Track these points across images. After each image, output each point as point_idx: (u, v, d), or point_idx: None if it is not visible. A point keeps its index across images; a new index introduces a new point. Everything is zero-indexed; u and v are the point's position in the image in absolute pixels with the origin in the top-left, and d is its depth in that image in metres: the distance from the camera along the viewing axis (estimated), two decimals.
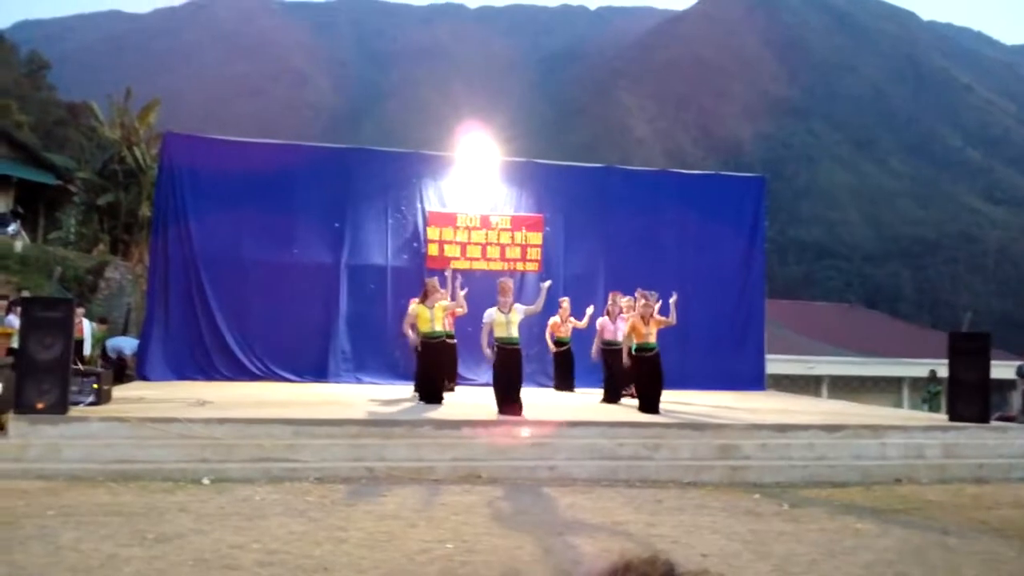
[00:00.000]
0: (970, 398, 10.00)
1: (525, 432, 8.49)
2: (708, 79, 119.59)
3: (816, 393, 23.34)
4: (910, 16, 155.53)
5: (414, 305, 10.72)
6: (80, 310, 12.71)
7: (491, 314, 9.66)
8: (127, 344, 14.97)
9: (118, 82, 31.55)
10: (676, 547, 5.55)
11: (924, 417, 12.07)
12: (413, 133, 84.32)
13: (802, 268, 79.20)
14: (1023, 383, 18.26)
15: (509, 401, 9.29)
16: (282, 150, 15.20)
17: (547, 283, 10.53)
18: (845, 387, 24.61)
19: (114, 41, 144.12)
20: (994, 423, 10.31)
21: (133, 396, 10.03)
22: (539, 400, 11.24)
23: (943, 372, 19.06)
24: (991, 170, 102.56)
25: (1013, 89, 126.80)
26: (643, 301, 10.63)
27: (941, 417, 11.26)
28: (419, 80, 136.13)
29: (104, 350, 14.84)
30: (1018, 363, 18.81)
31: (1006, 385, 21.08)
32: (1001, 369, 16.87)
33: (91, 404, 8.57)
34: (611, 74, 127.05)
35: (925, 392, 19.29)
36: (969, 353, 10.18)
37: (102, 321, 16.05)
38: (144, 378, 13.13)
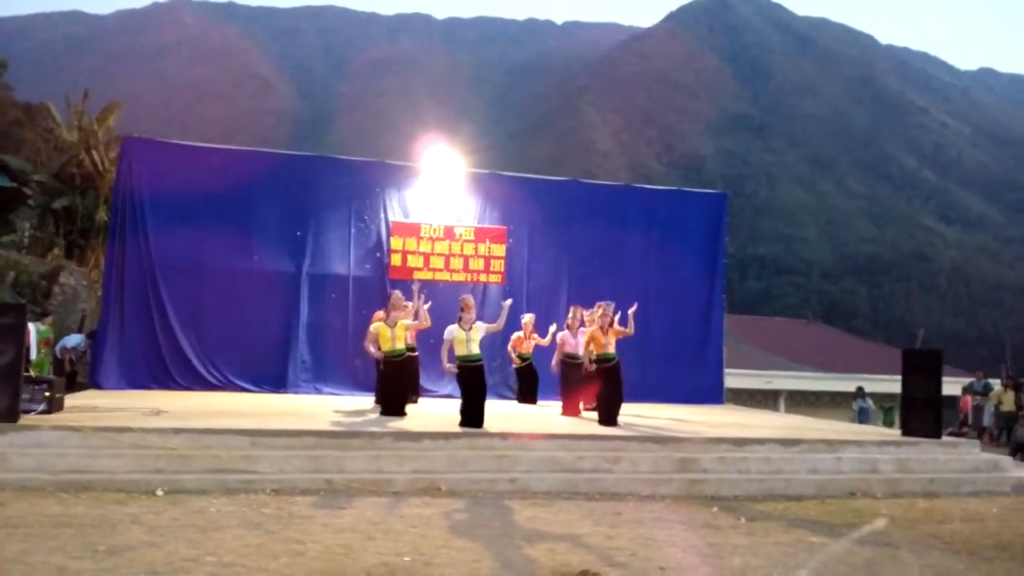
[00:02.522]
0: (922, 414, 10.22)
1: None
2: (671, 96, 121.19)
3: (774, 407, 23.65)
4: (869, 39, 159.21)
5: (376, 324, 10.63)
6: None
7: (452, 331, 9.64)
8: (71, 339, 14.65)
9: (77, 83, 31.06)
10: (634, 560, 5.58)
11: (878, 432, 12.29)
12: (377, 142, 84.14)
13: (761, 284, 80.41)
14: (974, 400, 18.69)
15: (472, 416, 9.29)
16: (244, 156, 15.06)
17: (508, 302, 10.57)
18: (802, 401, 24.99)
19: (74, 42, 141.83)
20: (945, 439, 10.53)
21: (86, 405, 9.83)
22: (501, 412, 11.23)
23: (871, 388, 19.34)
24: (945, 191, 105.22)
25: (967, 113, 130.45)
26: (600, 311, 10.72)
27: (894, 432, 11.47)
28: (385, 90, 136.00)
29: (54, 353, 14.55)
30: (969, 380, 19.27)
31: (957, 401, 21.55)
32: (952, 386, 17.27)
33: (42, 412, 8.38)
34: (576, 88, 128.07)
35: (856, 404, 19.47)
36: (922, 370, 10.41)
37: (43, 315, 15.69)
38: (97, 386, 12.86)
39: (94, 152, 24.02)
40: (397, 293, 10.78)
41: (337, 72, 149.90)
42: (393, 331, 10.28)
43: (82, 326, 18.29)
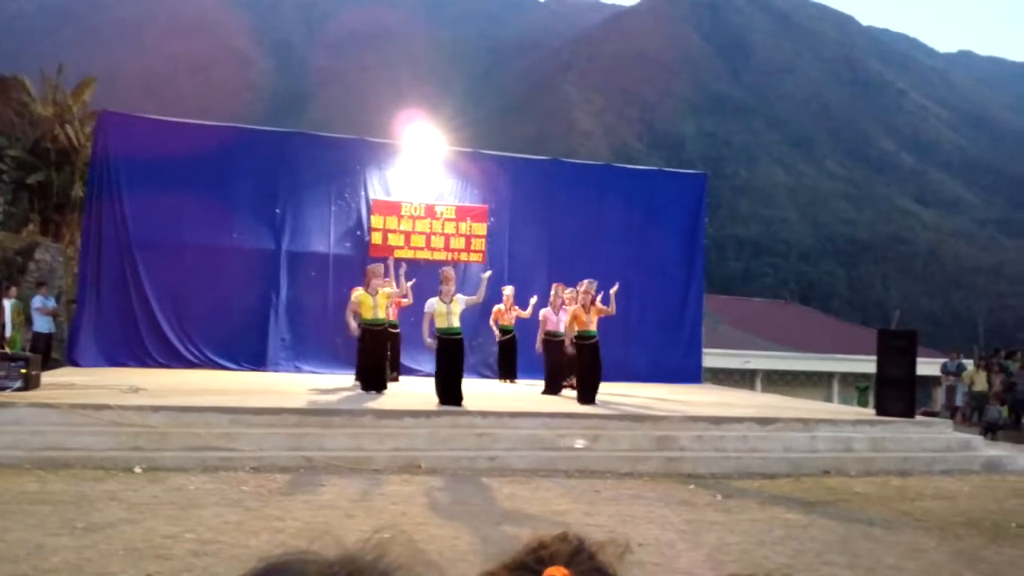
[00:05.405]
0: (896, 394, 10.37)
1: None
2: (653, 75, 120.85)
3: (751, 387, 23.87)
4: (849, 20, 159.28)
5: (357, 292, 10.64)
6: None
7: (432, 304, 9.64)
8: (36, 300, 14.53)
9: (52, 56, 30.50)
10: (612, 536, 5.63)
11: (852, 411, 12.46)
12: (357, 119, 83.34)
13: (740, 264, 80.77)
14: (947, 380, 18.96)
15: (450, 392, 9.31)
16: (222, 132, 14.90)
17: (487, 273, 10.60)
18: (779, 381, 25.24)
19: (48, 13, 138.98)
20: (919, 418, 10.70)
21: (63, 382, 9.76)
22: (481, 390, 11.28)
23: (846, 368, 19.13)
24: (923, 174, 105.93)
25: (945, 96, 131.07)
26: (582, 288, 10.80)
27: (869, 411, 11.63)
28: (366, 66, 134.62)
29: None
30: (943, 360, 19.54)
31: (931, 381, 21.88)
32: (927, 366, 17.51)
33: (18, 389, 8.32)
34: (558, 66, 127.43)
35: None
36: (896, 350, 10.55)
37: (10, 286, 15.52)
38: (74, 363, 12.76)
39: (69, 127, 23.63)
40: (376, 266, 10.80)
41: (317, 47, 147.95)
42: (375, 299, 10.26)
43: (58, 303, 18.11)
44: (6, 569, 4.35)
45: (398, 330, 12.07)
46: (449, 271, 10.02)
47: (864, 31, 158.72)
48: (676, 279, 16.08)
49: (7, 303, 13.66)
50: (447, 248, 14.94)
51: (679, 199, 16.38)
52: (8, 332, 13.39)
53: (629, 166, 18.87)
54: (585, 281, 10.96)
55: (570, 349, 10.92)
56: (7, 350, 10.45)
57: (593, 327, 10.57)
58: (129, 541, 4.92)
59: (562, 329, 11.67)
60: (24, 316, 14.70)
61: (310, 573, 0.69)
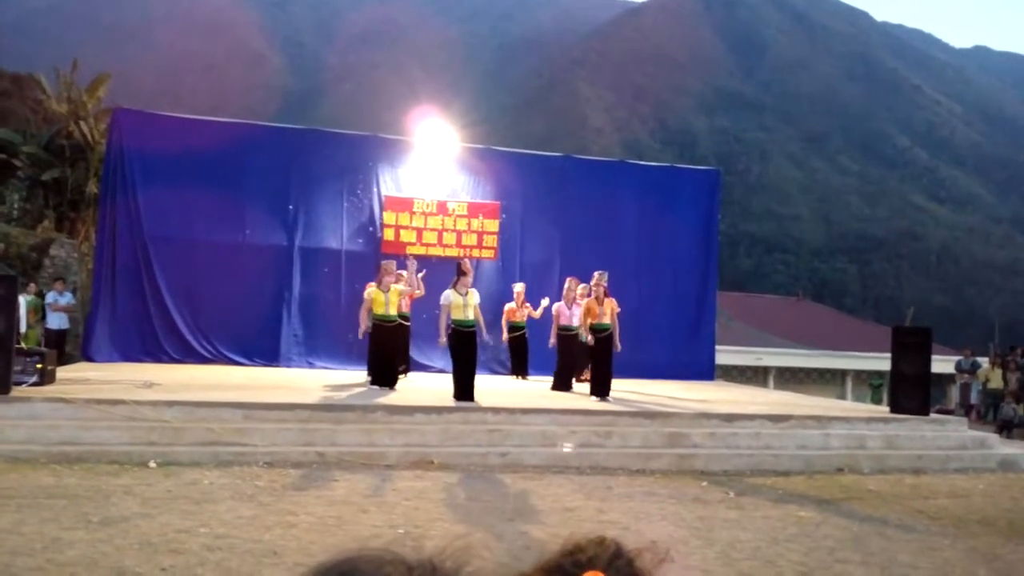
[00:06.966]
0: (911, 391, 10.30)
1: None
2: (665, 72, 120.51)
3: (763, 384, 23.79)
4: (864, 16, 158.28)
5: (370, 289, 10.67)
6: None
7: (448, 296, 9.64)
8: (49, 296, 14.66)
9: (66, 54, 30.65)
10: (625, 533, 5.63)
11: (866, 409, 12.40)
12: (369, 116, 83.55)
13: (752, 261, 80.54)
14: (962, 377, 18.84)
15: (463, 386, 9.31)
16: (235, 129, 14.95)
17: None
18: (791, 378, 25.14)
19: (62, 11, 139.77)
20: (933, 416, 10.63)
21: (78, 377, 9.83)
22: (493, 386, 11.28)
23: (860, 365, 19.19)
24: (936, 170, 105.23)
25: (960, 91, 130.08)
26: (594, 280, 10.80)
27: (883, 409, 11.57)
28: (376, 63, 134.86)
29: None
30: (957, 358, 19.41)
31: (945, 379, 21.74)
32: (941, 364, 17.40)
33: (34, 384, 8.38)
34: (570, 63, 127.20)
35: None
36: (911, 347, 10.48)
37: (29, 282, 15.66)
38: (89, 359, 12.85)
39: (84, 124, 23.76)
40: (388, 261, 10.83)
41: (328, 45, 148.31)
42: (387, 296, 10.29)
43: (75, 299, 18.23)
44: (22, 562, 4.38)
45: (408, 323, 12.04)
46: (467, 263, 10.03)
47: (878, 27, 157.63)
48: (689, 275, 16.01)
49: (23, 299, 13.76)
50: (459, 244, 14.93)
51: (692, 195, 16.31)
52: (24, 327, 13.48)
53: (642, 162, 18.82)
54: (596, 273, 10.95)
55: (589, 339, 10.86)
56: (23, 345, 10.51)
57: (607, 319, 10.55)
58: (144, 535, 4.95)
59: (575, 323, 11.67)
60: (41, 313, 14.83)
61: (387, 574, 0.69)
